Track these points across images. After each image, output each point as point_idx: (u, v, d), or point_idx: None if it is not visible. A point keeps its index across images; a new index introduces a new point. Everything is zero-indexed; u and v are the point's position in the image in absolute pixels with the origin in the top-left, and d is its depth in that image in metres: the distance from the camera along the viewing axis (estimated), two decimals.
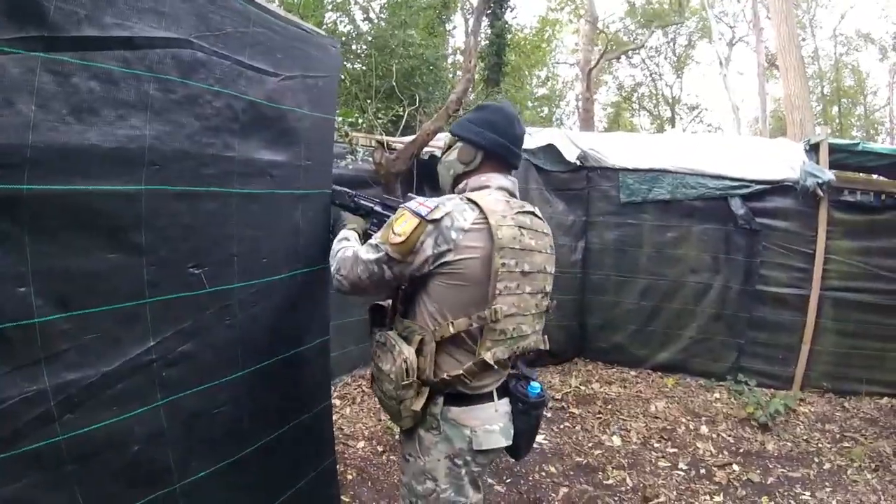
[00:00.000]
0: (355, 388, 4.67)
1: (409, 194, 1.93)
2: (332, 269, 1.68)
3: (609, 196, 5.60)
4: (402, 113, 6.03)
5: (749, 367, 5.31)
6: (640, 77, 24.76)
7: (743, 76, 32.74)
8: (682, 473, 3.76)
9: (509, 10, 12.55)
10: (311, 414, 2.21)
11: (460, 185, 1.74)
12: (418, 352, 1.58)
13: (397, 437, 3.86)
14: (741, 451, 4.15)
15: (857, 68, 23.24)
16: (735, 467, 3.86)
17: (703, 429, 4.46)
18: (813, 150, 5.23)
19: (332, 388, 4.51)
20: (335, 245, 1.76)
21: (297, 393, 2.14)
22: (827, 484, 3.73)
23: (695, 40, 23.12)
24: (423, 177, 4.86)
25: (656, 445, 4.17)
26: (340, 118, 4.16)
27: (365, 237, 1.89)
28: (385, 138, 4.66)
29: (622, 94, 25.17)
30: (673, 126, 22.05)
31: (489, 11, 11.72)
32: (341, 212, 2.09)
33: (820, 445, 4.32)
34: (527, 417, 1.71)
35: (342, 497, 3.09)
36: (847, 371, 5.21)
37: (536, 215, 1.72)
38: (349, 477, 3.43)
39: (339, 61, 2.32)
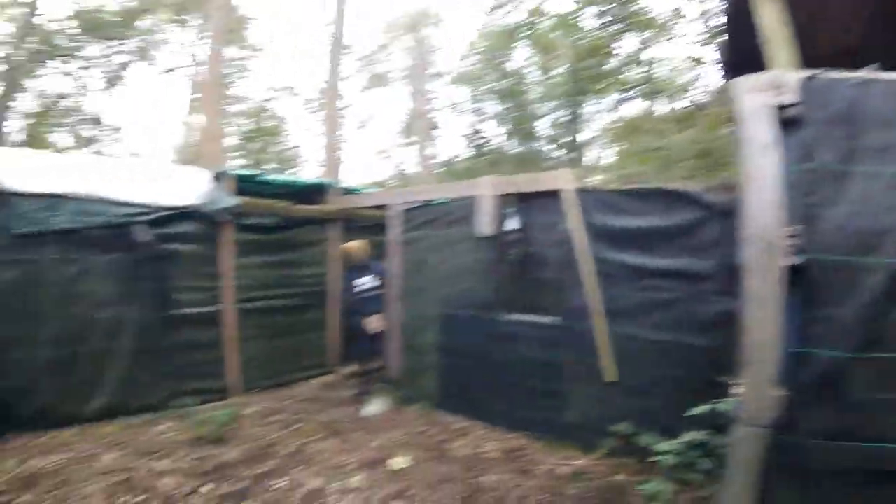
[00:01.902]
0: None
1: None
2: None
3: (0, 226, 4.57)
4: None
5: (186, 390, 5.38)
6: (69, 88, 22.25)
7: (172, 105, 33.75)
8: None
9: None
10: None
11: None
12: None
13: None
14: (206, 470, 4.09)
15: (278, 115, 27.08)
16: (209, 486, 3.83)
17: (162, 464, 4.20)
18: (221, 178, 5.76)
19: None
20: None
21: None
22: (297, 463, 4.20)
23: (134, 60, 22.28)
24: None
25: (122, 501, 3.67)
26: None
27: None
28: None
29: (44, 104, 22.02)
30: (93, 147, 20.55)
31: None
32: None
33: (275, 436, 4.78)
34: None
35: None
36: (279, 366, 6.25)
37: None
38: None
39: None
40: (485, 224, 5.09)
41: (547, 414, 4.72)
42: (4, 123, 16.50)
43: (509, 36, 19.38)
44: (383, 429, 5.01)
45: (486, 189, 5.14)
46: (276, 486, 3.90)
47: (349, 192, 7.03)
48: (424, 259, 5.68)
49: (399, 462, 4.25)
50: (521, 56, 20.09)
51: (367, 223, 6.81)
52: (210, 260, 5.59)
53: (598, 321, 4.42)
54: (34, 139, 19.22)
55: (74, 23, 18.99)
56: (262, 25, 34.82)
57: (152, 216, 5.18)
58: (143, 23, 20.81)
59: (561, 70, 18.04)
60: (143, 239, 5.08)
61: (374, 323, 5.76)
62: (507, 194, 5.08)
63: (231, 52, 19.66)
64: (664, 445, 3.70)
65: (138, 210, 5.12)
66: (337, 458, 4.33)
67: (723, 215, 3.85)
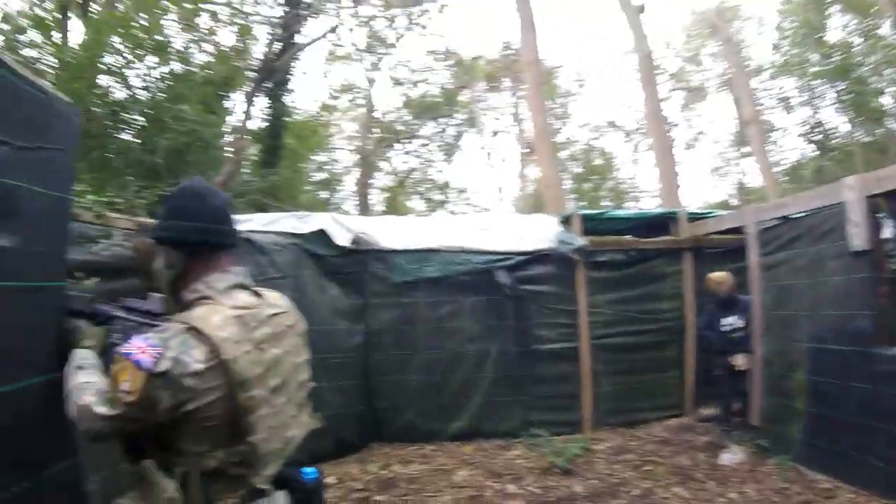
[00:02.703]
0: None
1: (128, 301, 1.76)
2: (70, 412, 1.40)
3: (383, 277, 5.73)
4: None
5: (540, 420, 5.73)
6: (415, 163, 26.43)
7: (505, 162, 37.04)
8: None
9: (289, 93, 12.47)
10: None
11: (189, 288, 1.48)
12: (183, 486, 1.35)
13: None
14: (552, 499, 4.27)
15: (605, 151, 27.66)
16: None
17: (511, 487, 4.53)
18: (567, 221, 6.21)
19: None
20: (69, 379, 1.47)
21: None
22: None
23: (463, 131, 25.45)
24: None
25: None
26: (92, 196, 3.71)
27: (106, 351, 1.64)
28: (148, 221, 4.27)
29: (397, 179, 26.52)
30: (443, 208, 23.66)
31: (269, 93, 11.62)
32: (74, 321, 1.75)
33: (624, 475, 4.66)
34: None
35: None
36: (630, 404, 6.07)
37: (278, 305, 1.59)
38: None
39: (78, 132, 2.06)
40: (856, 235, 4.11)
41: None
42: (368, 198, 20.12)
43: (817, 5, 16.65)
44: (738, 481, 4.46)
45: (851, 191, 4.16)
46: None
47: (695, 217, 6.56)
48: (788, 284, 4.90)
49: None
50: (840, 23, 17.00)
51: (718, 250, 6.32)
52: (564, 298, 5.97)
53: None
54: (393, 208, 23.08)
55: (405, 111, 22.51)
56: (570, 70, 36.20)
57: (510, 261, 5.84)
58: (463, 97, 23.57)
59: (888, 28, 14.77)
60: (503, 282, 5.75)
61: (740, 361, 5.29)
62: (880, 194, 4.04)
63: (548, 102, 20.87)
64: None
65: (497, 257, 5.84)
66: None
67: None
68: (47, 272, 1.79)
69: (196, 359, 1.30)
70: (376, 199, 24.08)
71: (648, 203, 24.14)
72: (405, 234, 5.92)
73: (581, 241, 5.91)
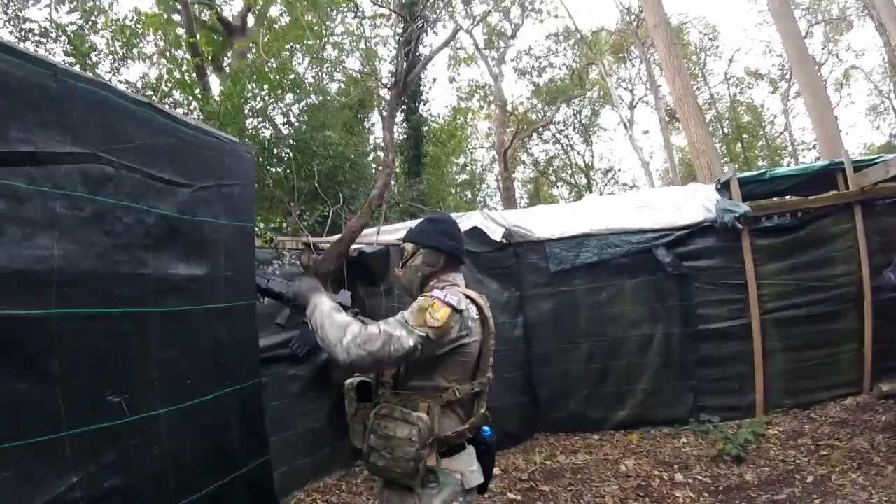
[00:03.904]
0: (310, 503, 4.36)
1: (342, 290, 2.06)
2: (347, 341, 1.70)
3: (539, 268, 5.68)
4: (327, 213, 6.00)
5: (709, 405, 5.36)
6: (553, 150, 26.09)
7: (648, 133, 35.08)
8: None
9: (423, 103, 13.05)
10: None
11: (430, 284, 2.00)
12: (427, 416, 1.79)
13: None
14: (721, 488, 4.09)
15: (752, 104, 25.26)
16: None
17: (678, 476, 4.37)
18: (724, 187, 5.65)
19: None
20: (335, 318, 1.79)
21: None
22: (815, 496, 3.72)
23: (598, 108, 24.68)
24: (353, 274, 4.82)
25: None
26: (262, 224, 4.11)
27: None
28: (311, 239, 4.62)
29: (538, 169, 26.33)
30: (590, 191, 23.04)
31: (404, 107, 12.14)
32: (299, 281, 2.04)
33: (798, 461, 4.34)
34: (487, 456, 2.01)
35: None
36: (804, 383, 5.41)
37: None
38: None
39: (253, 167, 2.30)
40: None
41: None
42: (512, 192, 20.11)
43: None
44: None
45: None
46: None
47: (861, 165, 5.73)
48: None
49: None
50: None
51: (892, 199, 5.57)
52: (730, 272, 5.48)
53: None
54: (537, 199, 22.95)
55: (536, 99, 22.27)
56: (699, 24, 33.90)
57: (668, 238, 5.48)
58: (592, 74, 22.86)
59: None
60: (663, 260, 5.41)
61: None
62: None
63: (684, 62, 19.64)
64: None
65: (654, 235, 5.51)
66: (862, 495, 3.61)
67: None
68: (238, 293, 2.01)
69: (473, 311, 1.88)
70: (520, 192, 24.10)
71: (808, 157, 21.83)
72: (557, 222, 5.81)
73: (743, 207, 5.34)
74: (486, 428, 2.03)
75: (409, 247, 2.08)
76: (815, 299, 5.46)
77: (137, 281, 1.59)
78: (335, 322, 1.77)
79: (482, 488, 2.02)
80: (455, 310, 1.78)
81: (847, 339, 5.49)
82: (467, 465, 1.90)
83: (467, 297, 1.89)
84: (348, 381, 2.03)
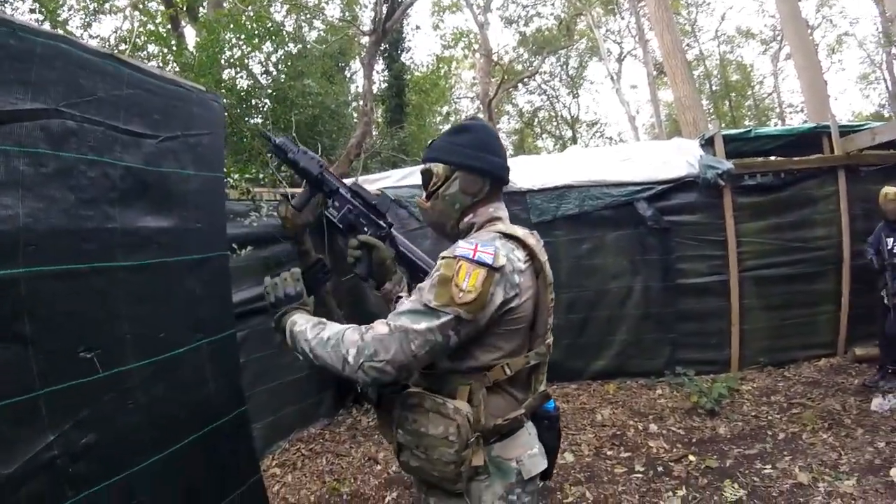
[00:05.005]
0: (295, 453, 4.44)
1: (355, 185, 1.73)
2: (353, 359, 1.32)
3: (520, 219, 5.63)
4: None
5: (685, 359, 5.49)
6: (539, 102, 25.80)
7: (636, 88, 34.70)
8: (639, 476, 3.77)
9: (405, 51, 12.78)
10: (240, 492, 2.05)
11: (466, 219, 1.54)
12: (469, 403, 1.40)
13: (344, 497, 3.72)
14: (694, 440, 4.22)
15: (742, 63, 25.09)
16: (691, 458, 3.91)
17: (653, 427, 4.52)
18: (708, 143, 5.68)
19: (270, 455, 4.29)
20: (323, 335, 1.40)
21: (219, 473, 1.99)
22: (785, 453, 3.85)
23: (586, 61, 24.35)
24: (332, 226, 4.77)
25: (609, 453, 4.16)
26: (237, 175, 4.06)
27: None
28: (290, 190, 4.57)
29: (523, 121, 26.09)
30: (575, 144, 22.91)
31: (385, 55, 11.89)
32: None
33: (770, 418, 4.48)
34: (552, 433, 1.59)
35: None
36: (780, 342, 5.61)
37: None
38: None
39: (222, 116, 2.24)
40: None
41: None
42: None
43: None
44: (889, 430, 4.05)
45: None
46: (762, 471, 3.64)
47: (847, 131, 5.84)
48: None
49: None
50: None
51: (876, 167, 5.63)
52: (711, 228, 5.56)
53: None
54: (522, 150, 22.80)
55: (522, 49, 21.85)
56: None
57: (650, 192, 5.50)
58: (580, 25, 22.44)
59: None
60: (645, 214, 5.44)
61: None
62: None
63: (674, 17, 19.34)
64: None
65: (636, 188, 5.52)
66: (831, 455, 3.75)
67: None
68: (209, 244, 1.98)
69: (519, 258, 1.41)
70: (504, 143, 23.91)
71: (795, 120, 21.80)
72: (540, 172, 5.80)
73: (727, 164, 5.38)
74: (550, 401, 1.60)
75: (439, 169, 1.54)
76: (794, 260, 5.58)
77: (105, 236, 1.56)
78: (324, 340, 1.38)
79: (546, 474, 1.58)
80: (492, 269, 1.31)
81: (824, 302, 5.65)
82: (526, 449, 1.49)
83: (510, 236, 1.43)
84: None
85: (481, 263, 1.31)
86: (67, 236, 1.46)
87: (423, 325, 1.30)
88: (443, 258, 1.36)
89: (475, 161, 1.51)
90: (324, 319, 1.47)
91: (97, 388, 1.49)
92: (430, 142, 1.61)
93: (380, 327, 1.34)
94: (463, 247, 1.34)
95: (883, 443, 3.81)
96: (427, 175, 1.57)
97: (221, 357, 1.97)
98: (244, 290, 4.06)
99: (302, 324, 1.44)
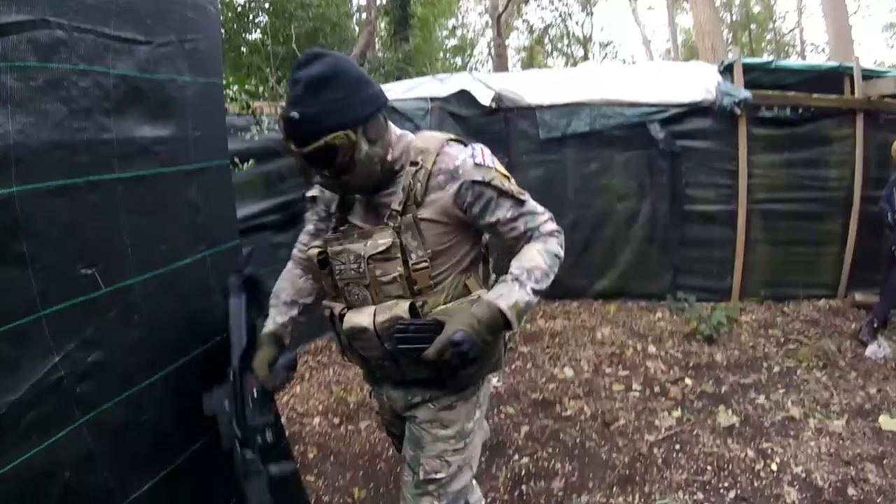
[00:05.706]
0: (303, 365, 4.54)
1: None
2: (557, 255, 1.61)
3: (528, 135, 5.60)
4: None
5: (687, 284, 5.50)
6: (551, 18, 24.79)
7: (652, 10, 33.16)
8: (637, 394, 3.87)
9: None
10: None
11: (388, 161, 1.49)
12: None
13: (351, 406, 3.83)
14: (691, 365, 4.30)
15: None
16: (688, 381, 4.01)
17: (651, 348, 4.61)
18: (727, 70, 5.47)
19: None
20: (530, 283, 1.49)
21: None
22: (779, 385, 3.92)
23: None
24: None
25: (608, 371, 4.27)
26: (235, 87, 3.94)
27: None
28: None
29: (534, 38, 25.17)
30: (584, 64, 22.16)
31: None
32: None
33: (766, 350, 4.54)
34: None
35: (307, 477, 3.02)
36: (783, 278, 5.61)
37: None
38: (310, 455, 3.33)
39: (218, 20, 2.13)
40: None
41: None
42: (505, 59, 19.31)
43: None
44: (881, 377, 4.07)
45: None
46: (755, 401, 3.71)
47: (871, 75, 5.63)
48: None
49: (889, 423, 3.38)
50: None
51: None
52: (722, 157, 5.47)
53: None
54: (532, 67, 22.11)
55: None
56: None
57: (665, 114, 5.38)
58: None
59: None
60: (657, 136, 5.34)
61: None
62: None
63: None
64: None
65: (649, 110, 5.39)
66: (823, 394, 3.80)
67: None
68: (209, 153, 1.92)
69: None
70: (513, 60, 23.17)
71: (817, 59, 20.85)
72: (551, 88, 5.64)
73: (745, 92, 5.19)
74: None
75: (341, 140, 1.36)
76: (804, 197, 5.50)
77: (100, 147, 1.50)
78: (539, 277, 1.50)
79: None
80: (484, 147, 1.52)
81: (830, 243, 5.61)
82: None
83: (456, 140, 1.58)
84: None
85: (492, 155, 1.53)
86: (61, 150, 1.40)
87: (538, 206, 1.69)
88: (473, 166, 1.48)
89: (370, 106, 1.42)
90: (506, 278, 1.51)
91: (100, 305, 1.48)
92: (296, 117, 1.36)
93: (546, 226, 1.67)
94: (476, 155, 1.50)
95: (874, 389, 3.87)
96: (327, 153, 1.37)
97: (225, 268, 1.94)
98: (248, 205, 4.05)
99: (516, 298, 1.46)
